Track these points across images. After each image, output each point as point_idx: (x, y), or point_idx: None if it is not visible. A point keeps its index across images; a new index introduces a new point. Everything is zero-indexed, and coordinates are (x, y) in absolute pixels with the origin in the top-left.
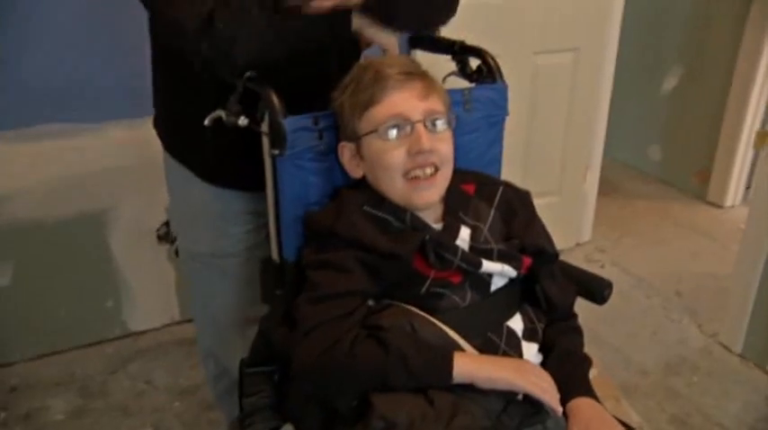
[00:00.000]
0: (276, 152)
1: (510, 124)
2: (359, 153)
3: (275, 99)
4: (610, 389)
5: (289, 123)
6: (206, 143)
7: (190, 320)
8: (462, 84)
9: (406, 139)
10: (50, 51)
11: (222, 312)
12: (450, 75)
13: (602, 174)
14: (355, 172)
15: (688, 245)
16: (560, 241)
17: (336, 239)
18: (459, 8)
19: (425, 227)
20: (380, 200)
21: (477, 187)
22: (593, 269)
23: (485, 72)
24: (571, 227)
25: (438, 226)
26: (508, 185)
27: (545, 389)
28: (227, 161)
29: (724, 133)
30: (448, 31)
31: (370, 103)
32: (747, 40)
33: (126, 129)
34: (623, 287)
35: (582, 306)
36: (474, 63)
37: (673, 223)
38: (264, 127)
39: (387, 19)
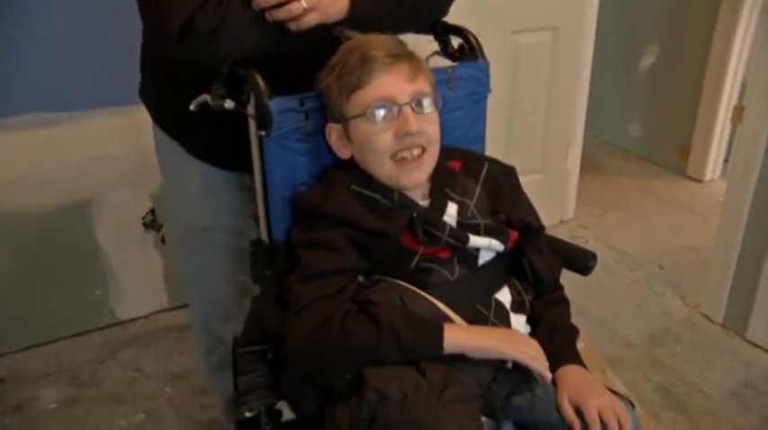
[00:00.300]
0: (263, 133)
1: (491, 103)
2: (346, 134)
3: (260, 81)
4: (596, 361)
5: (274, 104)
6: (197, 125)
7: (178, 307)
8: (445, 63)
9: (393, 122)
10: (32, 41)
11: (217, 283)
12: (433, 54)
13: (584, 152)
14: (343, 153)
15: (670, 219)
16: (544, 218)
17: (326, 218)
18: None
19: (413, 204)
20: (368, 179)
21: (463, 164)
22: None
23: (466, 50)
24: (555, 204)
25: (425, 203)
26: (494, 161)
27: (534, 356)
28: (218, 142)
29: (702, 109)
30: None
31: (357, 86)
32: (723, 15)
33: (108, 118)
34: (607, 262)
35: (568, 281)
36: (456, 42)
37: (654, 198)
38: (251, 109)
39: (368, 30)
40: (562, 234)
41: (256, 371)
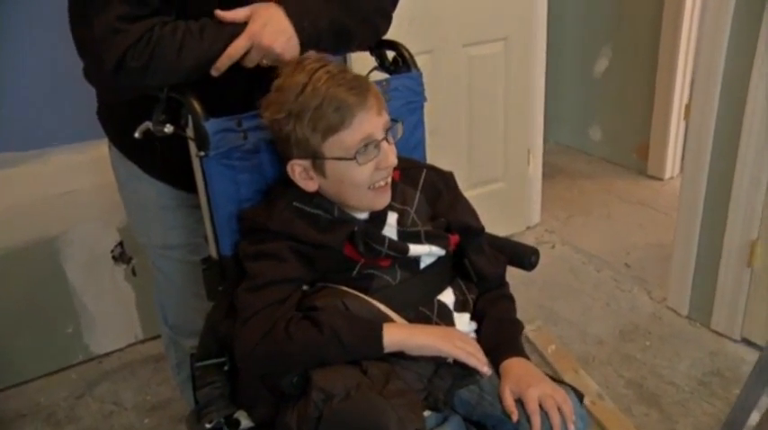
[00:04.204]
0: (202, 153)
1: (449, 115)
2: (316, 170)
3: (196, 104)
4: (569, 362)
5: (211, 125)
6: (150, 144)
7: (153, 338)
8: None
9: (374, 157)
10: None
11: (182, 299)
12: (373, 70)
13: (548, 158)
14: (308, 186)
15: (633, 218)
16: (511, 226)
17: (270, 233)
18: None
19: (352, 218)
20: (309, 196)
21: (401, 173)
22: (544, 250)
23: (401, 63)
24: (520, 211)
25: (365, 215)
26: (431, 168)
27: (470, 352)
28: (170, 162)
29: (656, 109)
30: None
31: (336, 128)
32: (666, 15)
33: (71, 154)
34: (575, 264)
35: (538, 287)
36: (391, 56)
37: (617, 199)
38: (189, 131)
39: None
40: (529, 240)
41: (214, 383)
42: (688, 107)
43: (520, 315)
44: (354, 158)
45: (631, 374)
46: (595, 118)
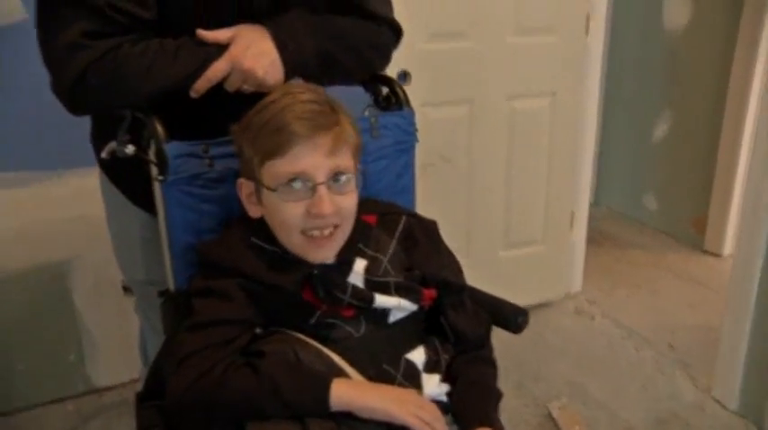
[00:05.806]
0: (161, 178)
1: (486, 169)
2: (258, 196)
3: (158, 125)
4: None
5: (171, 148)
6: (134, 170)
7: None
8: None
9: (306, 198)
10: (8, 98)
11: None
12: (367, 107)
13: (597, 224)
14: (253, 211)
15: (684, 295)
16: (548, 291)
17: (222, 269)
18: (431, 52)
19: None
20: (269, 231)
21: (379, 218)
22: (583, 321)
23: (393, 100)
24: (559, 277)
25: (330, 260)
26: (413, 216)
27: (426, 421)
28: (151, 189)
29: (718, 180)
30: (419, 75)
31: (272, 154)
32: (734, 84)
33: (86, 177)
34: (614, 339)
35: (571, 359)
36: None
37: (668, 273)
38: (151, 154)
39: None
40: (568, 308)
41: (155, 427)
42: None
43: (547, 388)
44: (275, 190)
45: None
46: (651, 185)
